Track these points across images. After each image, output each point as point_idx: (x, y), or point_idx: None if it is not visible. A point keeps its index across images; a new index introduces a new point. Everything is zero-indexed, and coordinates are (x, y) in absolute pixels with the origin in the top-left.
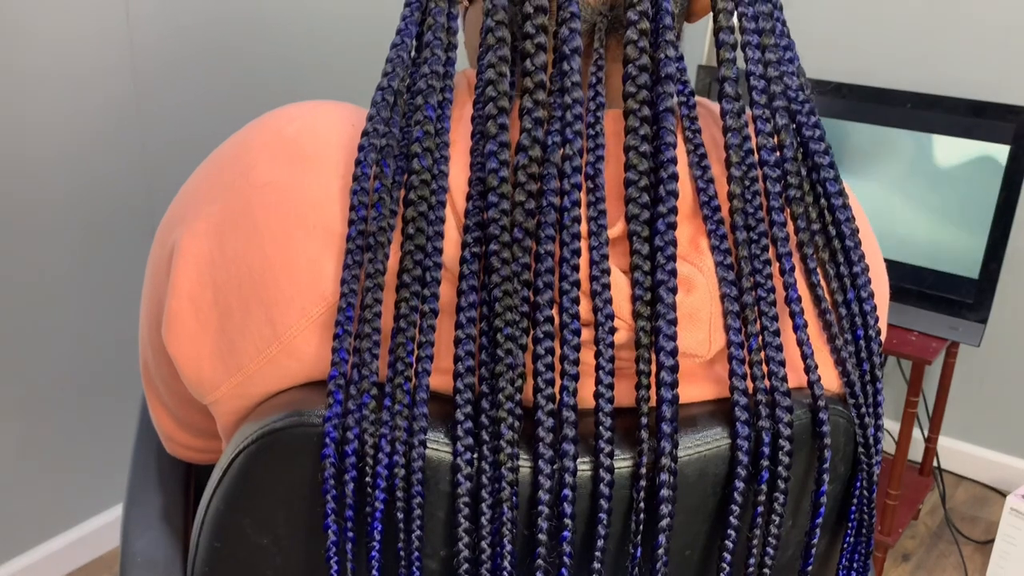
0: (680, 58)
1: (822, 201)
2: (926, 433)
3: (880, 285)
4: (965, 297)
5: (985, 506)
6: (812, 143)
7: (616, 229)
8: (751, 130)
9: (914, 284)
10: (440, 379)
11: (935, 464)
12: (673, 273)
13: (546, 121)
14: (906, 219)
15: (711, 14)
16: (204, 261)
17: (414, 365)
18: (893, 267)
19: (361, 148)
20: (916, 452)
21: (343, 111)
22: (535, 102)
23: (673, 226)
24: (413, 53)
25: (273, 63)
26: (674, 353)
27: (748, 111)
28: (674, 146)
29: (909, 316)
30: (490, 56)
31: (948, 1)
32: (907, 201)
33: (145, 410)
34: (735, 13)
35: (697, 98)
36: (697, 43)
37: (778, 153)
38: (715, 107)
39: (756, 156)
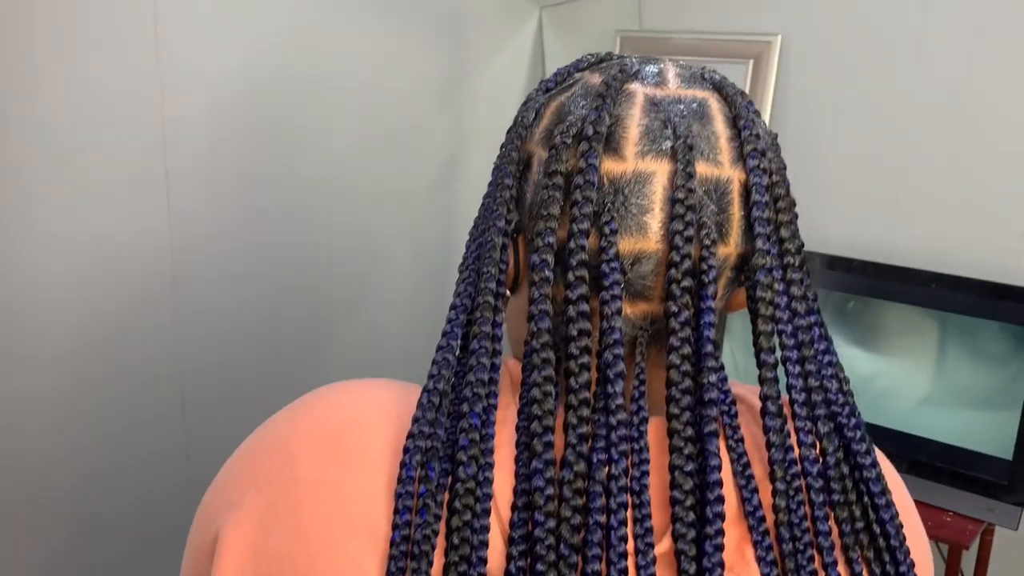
0: (723, 377)
1: (865, 499)
2: None
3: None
4: (1000, 478)
5: None
6: (854, 444)
7: (663, 545)
8: (794, 440)
9: (947, 463)
10: None
11: None
12: None
13: (590, 437)
14: (936, 396)
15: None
16: (248, 555)
17: None
18: (925, 445)
19: (406, 450)
20: None
21: (389, 399)
22: (579, 418)
23: (720, 548)
24: (459, 353)
25: (311, 249)
26: None
27: (791, 422)
28: (719, 468)
29: (943, 496)
30: (535, 375)
31: (971, 182)
32: (936, 379)
33: None
34: (775, 332)
35: (732, 387)
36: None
37: (821, 462)
38: (752, 398)
39: (799, 467)
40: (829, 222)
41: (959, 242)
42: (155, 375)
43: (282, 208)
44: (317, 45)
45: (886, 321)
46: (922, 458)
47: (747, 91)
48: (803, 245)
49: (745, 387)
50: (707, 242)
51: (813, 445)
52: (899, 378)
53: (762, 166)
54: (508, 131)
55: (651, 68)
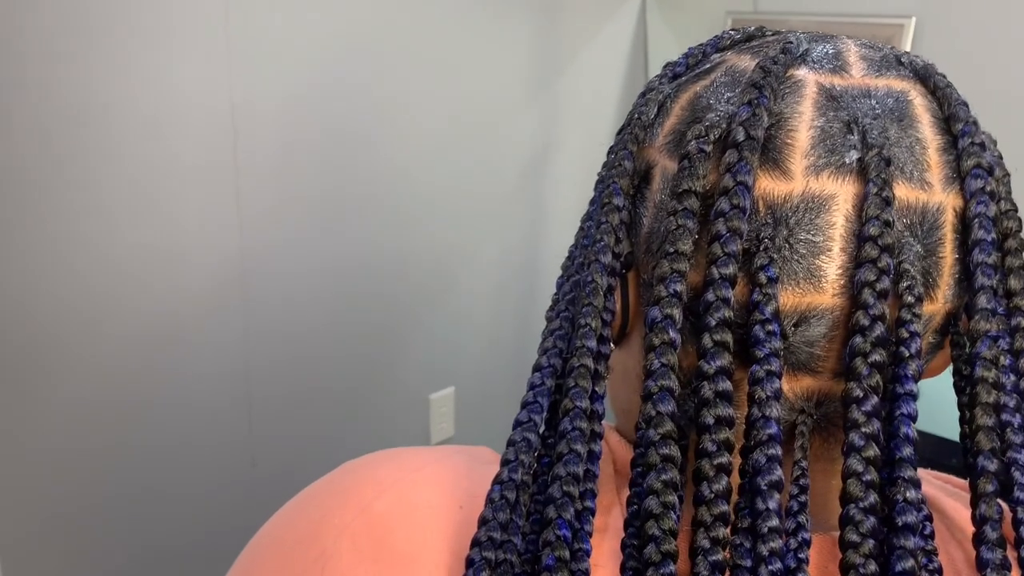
0: (918, 482)
1: None
2: None
3: None
4: None
5: None
6: None
7: None
8: (1010, 552)
9: None
10: None
11: None
12: None
13: (728, 567)
14: None
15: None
16: None
17: None
18: None
19: (471, 563)
20: None
21: (449, 482)
22: (714, 541)
23: None
24: (544, 430)
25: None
26: None
27: (1011, 550)
28: None
29: None
30: (652, 479)
31: None
32: None
33: None
34: (1000, 426)
35: (925, 492)
36: None
37: None
38: (942, 500)
39: None
40: None
41: None
42: (222, 377)
43: (358, 205)
44: (400, 29)
45: None
46: None
47: None
48: None
49: (926, 477)
50: (909, 299)
51: None
52: None
53: (988, 189)
54: (619, 132)
55: (825, 48)
